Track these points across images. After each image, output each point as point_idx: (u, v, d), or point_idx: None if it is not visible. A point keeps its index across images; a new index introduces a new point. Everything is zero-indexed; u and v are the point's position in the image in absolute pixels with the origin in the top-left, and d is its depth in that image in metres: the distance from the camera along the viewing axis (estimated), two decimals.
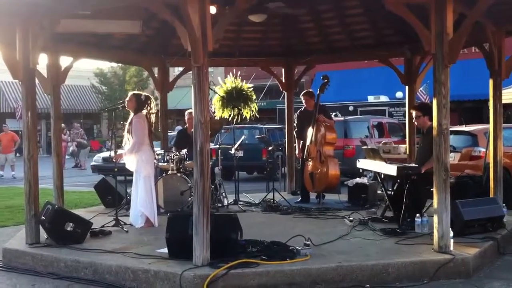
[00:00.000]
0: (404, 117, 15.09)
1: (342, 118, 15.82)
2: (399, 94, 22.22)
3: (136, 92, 8.17)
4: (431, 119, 7.10)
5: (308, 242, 6.01)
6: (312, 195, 9.98)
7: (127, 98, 7.87)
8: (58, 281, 5.87)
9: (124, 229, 7.49)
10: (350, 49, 10.55)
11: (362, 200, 9.32)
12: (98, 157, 18.30)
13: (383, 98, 23.57)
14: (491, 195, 7.78)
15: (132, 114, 7.84)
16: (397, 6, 5.96)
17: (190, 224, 5.68)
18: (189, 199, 8.54)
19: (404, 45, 9.76)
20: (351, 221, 7.70)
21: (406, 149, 10.33)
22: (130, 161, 7.78)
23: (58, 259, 6.15)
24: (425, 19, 5.95)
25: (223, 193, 9.75)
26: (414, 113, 7.66)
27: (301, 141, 9.93)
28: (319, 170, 9.37)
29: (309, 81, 28.57)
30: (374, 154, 7.80)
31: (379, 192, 9.47)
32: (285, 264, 5.55)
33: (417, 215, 6.91)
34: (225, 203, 9.62)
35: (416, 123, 7.76)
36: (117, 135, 8.88)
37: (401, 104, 20.41)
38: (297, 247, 5.88)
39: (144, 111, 7.81)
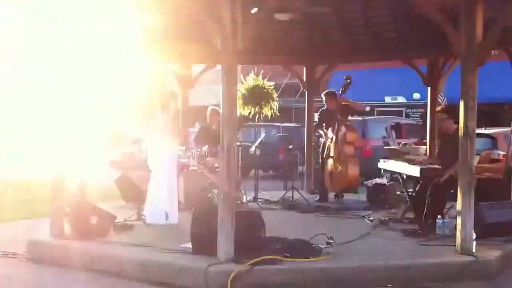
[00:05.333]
0: (421, 118, 15.04)
1: (360, 118, 15.74)
2: (416, 95, 22.07)
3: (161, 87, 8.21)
4: (456, 122, 7.05)
5: (330, 241, 6.04)
6: (330, 195, 10.00)
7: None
8: (83, 273, 5.92)
9: (147, 223, 7.53)
10: (374, 50, 10.47)
11: (382, 200, 9.31)
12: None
13: (400, 99, 23.45)
14: None
15: (159, 109, 7.87)
16: (427, 8, 5.96)
17: (215, 219, 5.70)
18: (209, 195, 8.58)
19: (429, 46, 9.71)
20: (371, 221, 7.72)
21: (426, 150, 10.29)
22: (158, 158, 7.78)
23: (83, 252, 6.21)
24: (453, 21, 5.94)
25: (242, 190, 9.78)
26: (440, 115, 7.59)
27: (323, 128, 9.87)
28: (339, 169, 9.38)
29: (325, 81, 28.40)
30: (397, 154, 7.78)
31: (398, 193, 9.47)
32: (308, 262, 5.57)
33: (439, 216, 6.91)
34: (244, 200, 9.66)
35: (441, 125, 7.67)
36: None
37: (418, 105, 20.30)
38: (320, 245, 5.91)
39: (173, 107, 7.86)
